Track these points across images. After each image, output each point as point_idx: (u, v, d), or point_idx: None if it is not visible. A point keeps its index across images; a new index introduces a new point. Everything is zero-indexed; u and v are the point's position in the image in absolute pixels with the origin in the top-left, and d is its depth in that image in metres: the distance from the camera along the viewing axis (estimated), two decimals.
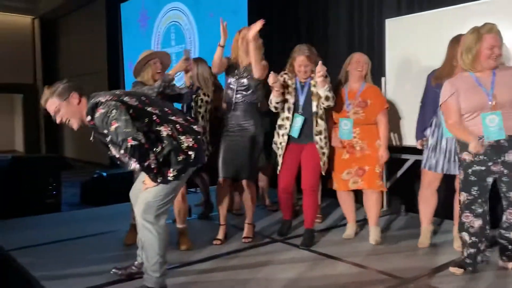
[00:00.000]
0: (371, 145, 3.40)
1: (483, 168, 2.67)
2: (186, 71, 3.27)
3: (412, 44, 3.84)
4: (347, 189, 3.48)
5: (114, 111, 2.22)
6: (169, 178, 2.33)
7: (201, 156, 2.46)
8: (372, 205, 3.43)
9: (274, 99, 3.35)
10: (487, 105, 2.61)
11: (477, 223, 2.74)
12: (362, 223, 3.81)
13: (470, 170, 2.70)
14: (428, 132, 3.24)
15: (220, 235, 3.46)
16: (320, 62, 3.14)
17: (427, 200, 3.29)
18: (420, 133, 3.31)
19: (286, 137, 3.38)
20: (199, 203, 4.53)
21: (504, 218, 2.77)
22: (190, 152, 2.36)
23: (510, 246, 2.81)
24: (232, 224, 3.84)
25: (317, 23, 5.15)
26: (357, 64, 3.41)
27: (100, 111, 2.25)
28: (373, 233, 3.42)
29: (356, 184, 3.43)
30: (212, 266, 3.00)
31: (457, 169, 2.98)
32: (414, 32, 3.84)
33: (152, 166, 2.25)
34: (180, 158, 2.33)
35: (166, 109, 2.45)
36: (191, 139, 2.38)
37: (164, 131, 2.32)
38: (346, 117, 3.40)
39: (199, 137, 2.44)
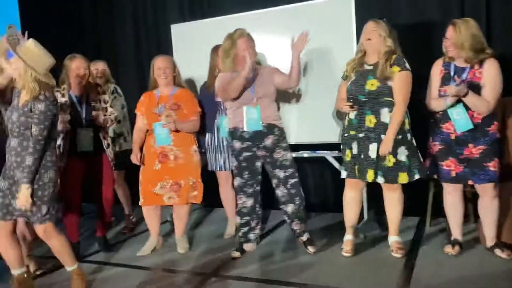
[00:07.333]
0: (186, 152, 3.33)
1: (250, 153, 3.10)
2: None
3: (200, 49, 3.72)
4: (160, 203, 3.38)
5: None
6: None
7: None
8: (184, 215, 3.45)
9: None
10: (251, 100, 3.05)
11: (249, 202, 3.16)
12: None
13: (241, 157, 3.12)
14: (208, 136, 3.56)
15: None
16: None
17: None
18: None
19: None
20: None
21: (278, 195, 3.16)
22: None
23: (288, 220, 3.17)
24: None
25: (104, 28, 5.14)
26: (158, 71, 3.30)
27: None
28: (181, 242, 3.47)
29: (173, 199, 3.33)
30: None
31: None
32: (199, 38, 3.89)
33: None
34: None
35: None
36: None
37: None
38: (159, 121, 3.25)
39: None
